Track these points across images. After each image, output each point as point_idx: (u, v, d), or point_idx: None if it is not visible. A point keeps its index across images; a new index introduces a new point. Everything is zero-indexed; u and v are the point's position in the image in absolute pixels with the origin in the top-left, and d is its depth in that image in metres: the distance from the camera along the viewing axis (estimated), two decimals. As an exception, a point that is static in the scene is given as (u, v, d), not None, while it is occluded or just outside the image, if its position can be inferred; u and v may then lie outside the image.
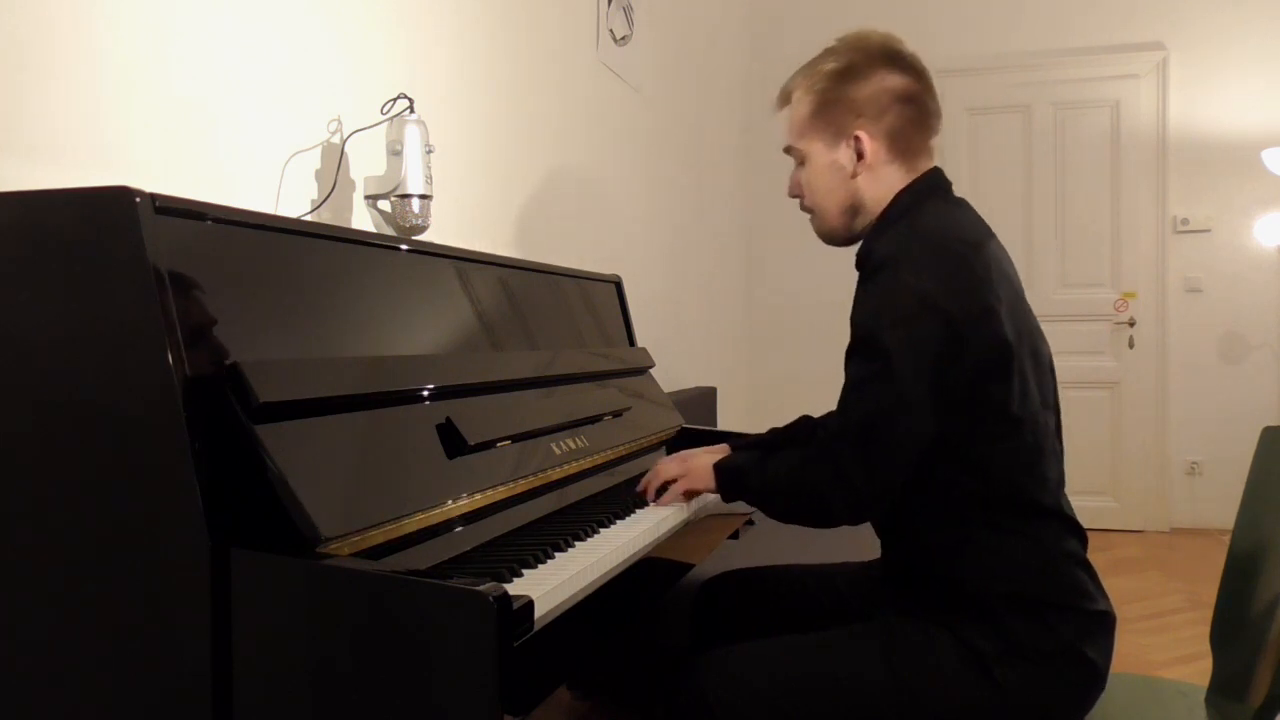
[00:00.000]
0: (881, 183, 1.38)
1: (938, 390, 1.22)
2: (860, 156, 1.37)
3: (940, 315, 1.21)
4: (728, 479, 1.43)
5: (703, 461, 1.47)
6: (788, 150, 1.46)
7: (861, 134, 1.36)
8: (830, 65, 1.39)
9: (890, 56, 1.37)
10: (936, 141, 1.41)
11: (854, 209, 1.40)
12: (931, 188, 1.38)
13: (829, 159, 1.39)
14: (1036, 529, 1.27)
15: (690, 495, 1.50)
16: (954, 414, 1.23)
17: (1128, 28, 4.66)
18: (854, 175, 1.38)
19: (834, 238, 1.45)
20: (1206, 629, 1.46)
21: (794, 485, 1.32)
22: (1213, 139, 4.59)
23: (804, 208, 1.47)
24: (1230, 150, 4.57)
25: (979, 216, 1.38)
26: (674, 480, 1.49)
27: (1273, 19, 4.51)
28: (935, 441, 1.24)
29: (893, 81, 1.36)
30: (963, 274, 1.24)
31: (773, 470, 1.36)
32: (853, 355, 1.29)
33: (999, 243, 1.35)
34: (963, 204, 1.39)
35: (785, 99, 1.45)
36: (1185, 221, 4.63)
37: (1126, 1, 4.67)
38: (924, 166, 1.39)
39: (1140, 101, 4.65)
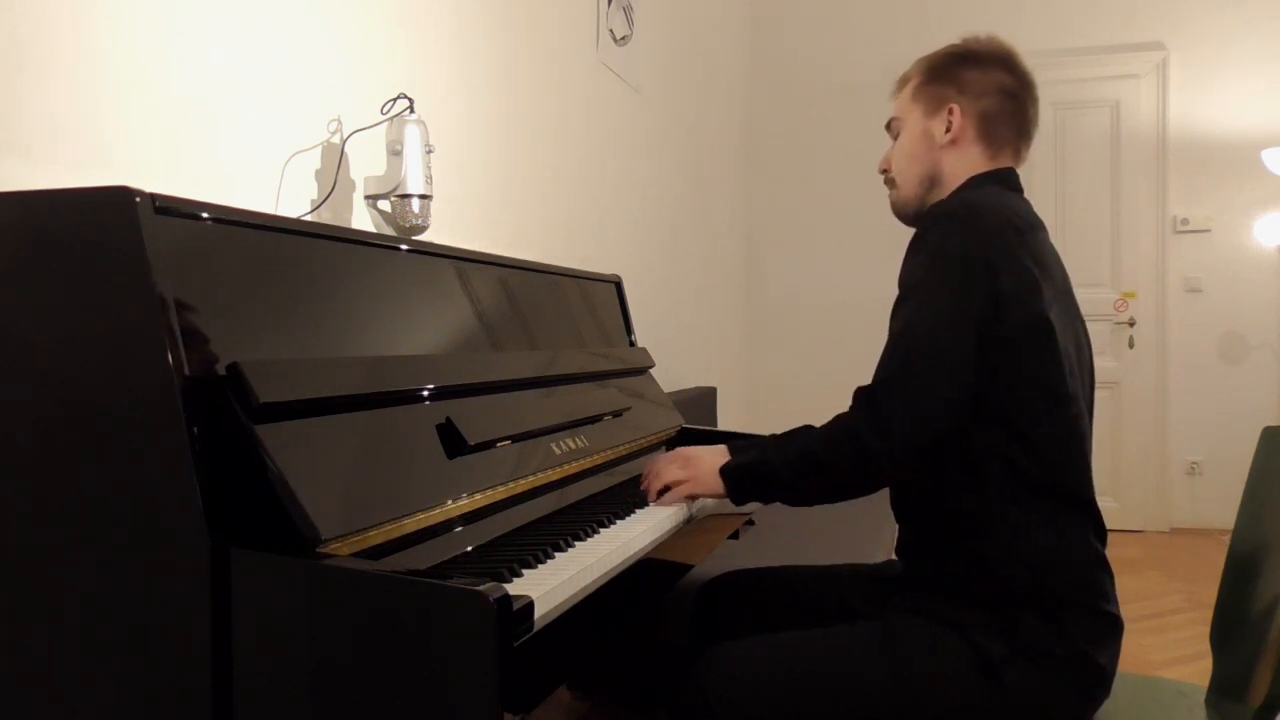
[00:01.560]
0: (962, 159, 1.43)
1: (977, 347, 1.23)
2: (949, 128, 1.42)
3: (986, 275, 1.24)
4: (737, 480, 1.40)
5: (707, 466, 1.43)
6: (888, 125, 1.52)
7: (956, 107, 1.42)
8: (952, 50, 1.47)
9: (1009, 61, 1.45)
10: (1026, 153, 1.46)
11: (932, 181, 1.45)
12: (1002, 178, 1.42)
13: (923, 127, 1.45)
14: (1066, 519, 1.27)
15: (693, 499, 1.49)
16: (993, 379, 1.24)
17: (1128, 28, 4.66)
18: (940, 147, 1.43)
19: (906, 208, 1.49)
20: (1206, 629, 1.46)
21: (825, 447, 1.31)
22: (1213, 139, 4.59)
23: (887, 181, 1.52)
24: (1230, 150, 4.57)
25: (1035, 213, 1.40)
26: (677, 483, 1.47)
27: (1273, 19, 4.51)
28: (976, 405, 1.24)
29: (1002, 77, 1.43)
30: (1011, 244, 1.27)
31: (793, 449, 1.34)
32: (898, 309, 1.31)
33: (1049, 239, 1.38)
34: (1025, 200, 1.42)
35: (904, 83, 1.51)
36: (1185, 221, 4.63)
37: (1126, 1, 4.67)
38: (1005, 162, 1.44)
39: (1140, 101, 4.65)
